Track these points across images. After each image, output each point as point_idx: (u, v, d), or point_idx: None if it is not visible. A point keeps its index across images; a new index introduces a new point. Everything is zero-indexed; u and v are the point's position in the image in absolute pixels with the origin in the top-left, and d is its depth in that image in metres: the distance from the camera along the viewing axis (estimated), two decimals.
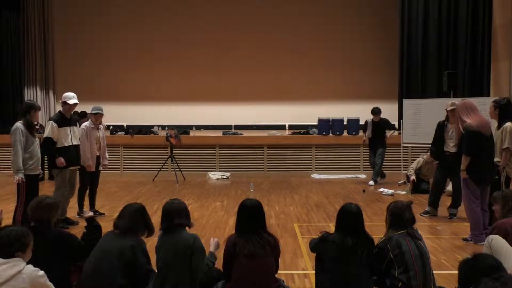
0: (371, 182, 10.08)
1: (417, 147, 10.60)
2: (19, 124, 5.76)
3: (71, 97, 6.59)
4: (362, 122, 11.07)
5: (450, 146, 6.97)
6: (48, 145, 6.42)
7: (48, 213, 3.70)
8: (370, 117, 10.19)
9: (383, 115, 10.33)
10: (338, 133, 11.93)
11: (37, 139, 5.99)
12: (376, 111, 10.01)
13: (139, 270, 3.59)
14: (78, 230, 6.11)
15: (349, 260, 3.50)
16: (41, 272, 2.93)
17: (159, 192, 9.44)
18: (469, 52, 12.63)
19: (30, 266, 2.92)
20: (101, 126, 7.45)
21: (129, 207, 3.80)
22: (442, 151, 7.17)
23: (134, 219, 3.70)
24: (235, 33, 14.64)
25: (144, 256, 3.65)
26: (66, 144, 6.48)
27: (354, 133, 11.92)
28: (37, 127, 12.67)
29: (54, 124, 6.41)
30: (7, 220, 6.96)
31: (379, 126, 10.04)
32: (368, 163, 10.60)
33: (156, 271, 3.65)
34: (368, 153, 10.48)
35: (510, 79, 11.78)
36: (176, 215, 3.72)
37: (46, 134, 6.45)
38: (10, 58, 14.00)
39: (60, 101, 6.73)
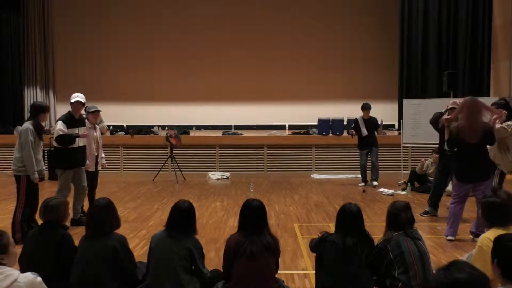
0: (375, 183, 9.83)
1: (417, 147, 10.60)
2: (29, 125, 5.75)
3: (74, 97, 6.55)
4: None
5: None
6: (66, 139, 6.33)
7: (57, 213, 3.70)
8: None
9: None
10: (338, 133, 11.93)
11: (42, 142, 5.98)
12: (366, 106, 9.82)
13: (127, 269, 3.57)
14: (79, 230, 6.12)
15: (349, 260, 3.50)
16: (39, 279, 2.88)
17: (159, 192, 9.44)
18: (469, 52, 12.66)
19: (28, 274, 2.86)
20: (97, 126, 7.36)
21: (97, 206, 3.73)
22: (443, 150, 7.20)
23: (106, 217, 3.63)
24: (235, 33, 14.65)
25: (128, 254, 3.62)
26: (73, 146, 6.46)
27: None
28: None
29: (63, 125, 6.36)
30: (7, 220, 6.97)
31: (370, 124, 9.84)
32: (368, 163, 10.45)
33: (152, 269, 3.61)
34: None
35: (510, 79, 11.79)
36: (188, 219, 3.71)
37: (57, 133, 6.35)
38: (10, 58, 14.01)
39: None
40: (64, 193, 6.42)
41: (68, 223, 3.89)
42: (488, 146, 5.93)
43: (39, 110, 5.85)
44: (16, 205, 5.88)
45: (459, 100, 7.10)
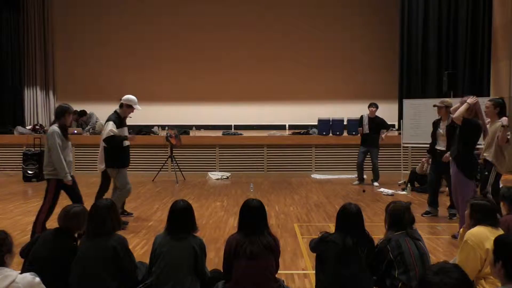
0: (376, 184, 9.88)
1: (417, 147, 10.60)
2: (55, 128, 5.75)
3: (136, 102, 6.66)
4: None
5: (442, 145, 7.08)
6: (115, 141, 6.40)
7: (77, 221, 3.69)
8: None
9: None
10: (338, 133, 11.93)
11: (69, 142, 5.98)
12: (371, 104, 9.99)
13: (127, 269, 3.57)
14: None
15: (349, 260, 3.50)
16: (37, 279, 2.89)
17: (159, 192, 9.44)
18: (469, 52, 12.65)
19: (27, 275, 2.88)
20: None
21: (99, 206, 3.71)
22: (435, 149, 7.27)
23: (107, 217, 3.62)
24: (235, 33, 14.65)
25: (128, 254, 3.62)
26: (123, 145, 6.55)
27: (354, 133, 11.90)
28: (37, 127, 12.69)
29: (114, 125, 6.42)
30: (7, 220, 6.98)
31: (375, 123, 9.94)
32: (369, 163, 10.44)
33: (156, 270, 3.60)
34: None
35: (510, 79, 11.79)
36: (187, 218, 3.71)
37: (108, 133, 6.36)
38: (10, 58, 14.00)
39: (121, 101, 6.66)
40: (128, 188, 6.50)
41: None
42: (487, 148, 5.96)
43: (64, 112, 5.86)
44: (41, 206, 5.80)
45: (450, 99, 7.26)
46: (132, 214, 7.20)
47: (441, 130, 7.19)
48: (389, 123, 10.46)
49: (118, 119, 6.56)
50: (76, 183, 5.93)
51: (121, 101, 6.70)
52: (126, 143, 6.61)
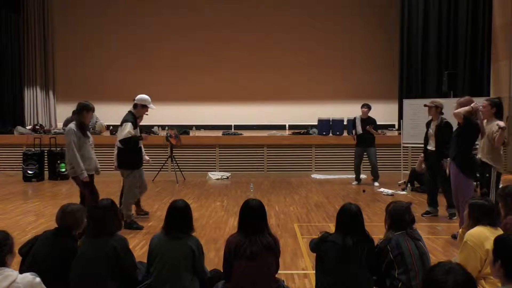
0: (376, 184, 9.91)
1: (417, 147, 10.58)
2: (71, 125, 5.80)
3: (150, 102, 6.67)
4: None
5: (432, 145, 7.11)
6: (131, 141, 6.43)
7: (74, 219, 3.67)
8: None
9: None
10: (338, 133, 11.93)
11: (90, 139, 5.97)
12: (365, 105, 10.02)
13: (127, 270, 3.57)
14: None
15: (349, 260, 3.50)
16: (38, 279, 2.89)
17: (159, 192, 9.44)
18: (469, 52, 12.65)
19: (27, 275, 2.88)
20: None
21: (99, 206, 3.71)
22: (426, 150, 7.31)
23: (107, 218, 3.62)
24: (235, 33, 14.65)
25: (129, 255, 3.62)
26: (139, 145, 6.61)
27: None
28: (37, 127, 12.68)
29: (132, 127, 6.44)
30: (7, 220, 6.97)
31: (367, 123, 9.94)
32: (368, 163, 10.40)
33: (154, 270, 3.60)
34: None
35: (510, 79, 11.79)
36: (186, 217, 3.71)
37: (126, 135, 6.37)
38: (10, 58, 13.99)
39: (135, 101, 6.66)
40: (135, 191, 6.53)
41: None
42: (483, 149, 5.96)
43: (82, 109, 5.89)
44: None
45: (440, 100, 7.31)
46: (148, 214, 7.21)
47: (431, 130, 7.21)
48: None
49: (134, 119, 6.56)
50: (91, 184, 5.94)
51: (135, 101, 6.68)
52: (140, 143, 6.63)
